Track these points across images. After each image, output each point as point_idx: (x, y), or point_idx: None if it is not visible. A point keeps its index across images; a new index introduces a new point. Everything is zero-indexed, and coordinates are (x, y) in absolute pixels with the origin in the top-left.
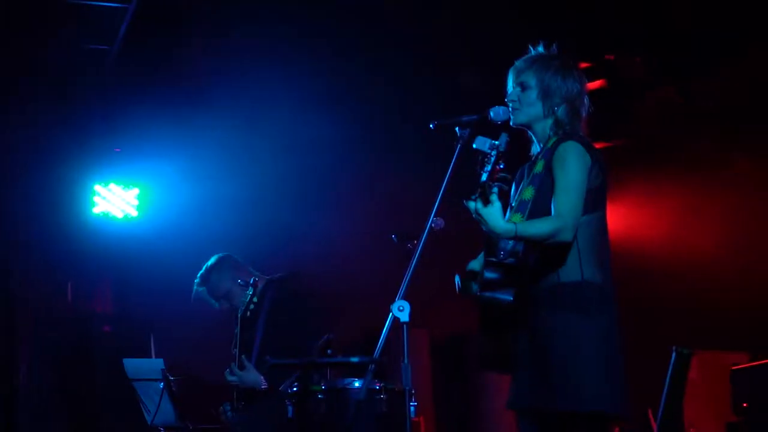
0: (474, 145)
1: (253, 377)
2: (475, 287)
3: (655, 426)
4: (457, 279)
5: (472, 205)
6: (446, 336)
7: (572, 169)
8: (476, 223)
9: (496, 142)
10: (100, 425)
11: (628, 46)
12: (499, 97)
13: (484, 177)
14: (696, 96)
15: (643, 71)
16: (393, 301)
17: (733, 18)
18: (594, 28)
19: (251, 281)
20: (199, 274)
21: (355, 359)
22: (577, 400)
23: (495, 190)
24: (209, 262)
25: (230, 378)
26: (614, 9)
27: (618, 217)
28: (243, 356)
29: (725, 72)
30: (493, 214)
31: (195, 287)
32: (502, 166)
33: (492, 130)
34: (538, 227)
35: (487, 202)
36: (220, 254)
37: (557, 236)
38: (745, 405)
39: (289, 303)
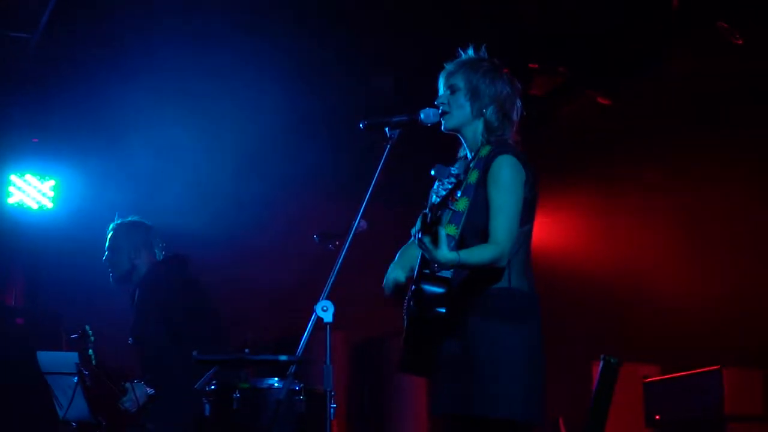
0: (432, 172)
1: (139, 392)
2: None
3: None
4: (388, 282)
5: (419, 235)
6: (361, 338)
7: (509, 188)
8: (398, 228)
9: (454, 170)
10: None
11: (551, 55)
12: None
13: (434, 199)
14: (622, 98)
15: (565, 80)
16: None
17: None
18: (515, 36)
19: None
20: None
21: (283, 357)
22: (496, 405)
23: (442, 222)
24: (132, 217)
25: (126, 406)
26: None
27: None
28: (124, 383)
29: (647, 79)
30: (438, 248)
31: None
32: (459, 195)
33: (422, 131)
34: (480, 256)
35: (435, 238)
36: (146, 221)
37: (496, 264)
38: (657, 417)
39: (171, 289)
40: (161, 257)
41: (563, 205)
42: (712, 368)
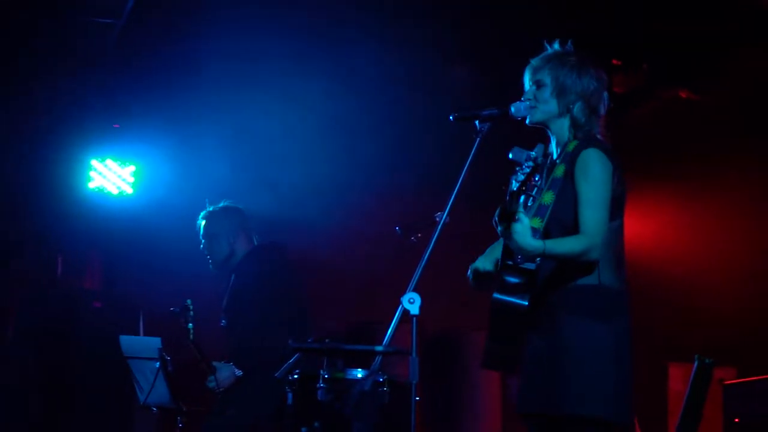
0: (510, 156)
1: (227, 373)
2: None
3: None
4: (470, 274)
5: (498, 223)
6: (434, 331)
7: (597, 181)
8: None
9: (533, 154)
10: (77, 402)
11: (634, 52)
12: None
13: (514, 186)
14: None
15: (648, 77)
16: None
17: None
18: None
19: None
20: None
21: (379, 348)
22: (586, 403)
23: (521, 209)
24: (223, 203)
25: (211, 385)
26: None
27: None
28: (212, 362)
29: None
30: (521, 233)
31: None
32: (537, 178)
33: (514, 127)
34: (568, 247)
35: (514, 220)
36: (238, 205)
37: (586, 256)
38: (737, 420)
39: (269, 275)
40: (257, 242)
41: (635, 203)
42: None
